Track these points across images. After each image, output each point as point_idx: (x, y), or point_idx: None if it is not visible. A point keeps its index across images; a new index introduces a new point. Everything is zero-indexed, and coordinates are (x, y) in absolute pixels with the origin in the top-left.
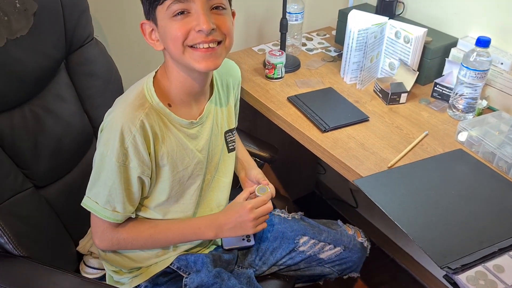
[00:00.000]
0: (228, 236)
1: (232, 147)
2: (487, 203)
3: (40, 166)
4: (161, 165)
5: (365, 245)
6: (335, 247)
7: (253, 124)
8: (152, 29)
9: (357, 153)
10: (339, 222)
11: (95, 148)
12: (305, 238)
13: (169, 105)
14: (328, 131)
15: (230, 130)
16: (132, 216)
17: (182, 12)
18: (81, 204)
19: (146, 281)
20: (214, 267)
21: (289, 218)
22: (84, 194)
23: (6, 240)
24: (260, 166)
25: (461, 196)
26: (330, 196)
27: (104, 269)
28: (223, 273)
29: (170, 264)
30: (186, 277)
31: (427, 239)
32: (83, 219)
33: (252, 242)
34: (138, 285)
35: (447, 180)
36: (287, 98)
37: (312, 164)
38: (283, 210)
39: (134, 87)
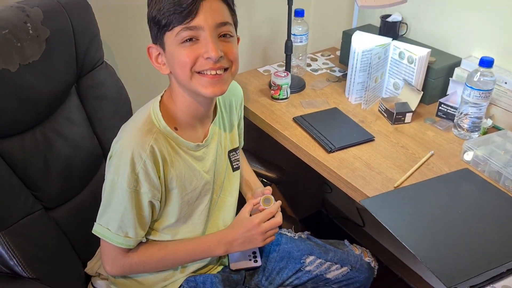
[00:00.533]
0: (238, 251)
1: (236, 166)
2: (494, 222)
3: (50, 188)
4: (170, 188)
5: (372, 265)
6: (342, 266)
7: (259, 145)
8: (159, 53)
9: (363, 173)
10: (346, 242)
11: (104, 169)
12: (311, 258)
13: (176, 129)
14: (334, 151)
15: (234, 149)
16: (143, 240)
17: (190, 39)
18: (93, 232)
19: None
20: (223, 287)
21: (296, 238)
22: (93, 215)
23: (15, 262)
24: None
25: (468, 216)
26: (337, 215)
27: None
28: None
29: (179, 287)
30: None
31: (435, 259)
32: (92, 241)
33: (259, 263)
34: None
35: (454, 200)
36: (293, 118)
37: (318, 183)
38: (289, 229)
39: (140, 112)
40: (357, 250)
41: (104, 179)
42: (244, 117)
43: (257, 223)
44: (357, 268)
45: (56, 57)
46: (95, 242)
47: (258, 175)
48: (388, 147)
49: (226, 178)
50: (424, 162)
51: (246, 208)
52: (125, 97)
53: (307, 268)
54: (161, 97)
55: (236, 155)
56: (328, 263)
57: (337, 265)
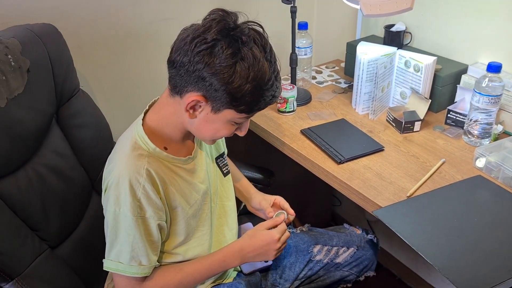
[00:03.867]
0: (249, 262)
1: (226, 171)
2: None
3: (50, 226)
4: (173, 207)
5: (375, 241)
6: (348, 248)
7: (266, 159)
8: (198, 105)
9: (375, 183)
10: (346, 225)
11: (96, 201)
12: (318, 247)
13: (165, 148)
14: (343, 163)
15: (220, 155)
16: (157, 265)
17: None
18: (104, 269)
19: None
20: None
21: (298, 232)
22: (95, 247)
23: None
24: (259, 190)
25: (485, 223)
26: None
27: None
28: None
29: None
30: None
31: (453, 269)
32: (99, 273)
33: (270, 262)
34: None
35: (469, 208)
36: (301, 131)
37: (327, 196)
38: (289, 226)
39: (124, 139)
40: (358, 230)
41: (99, 212)
42: (251, 131)
43: (278, 238)
44: (362, 247)
45: (38, 87)
46: (103, 274)
47: (250, 179)
48: (398, 156)
49: (219, 185)
50: (436, 170)
51: (268, 224)
52: (104, 123)
53: (317, 258)
54: (143, 119)
55: (223, 160)
56: (335, 248)
57: (344, 248)
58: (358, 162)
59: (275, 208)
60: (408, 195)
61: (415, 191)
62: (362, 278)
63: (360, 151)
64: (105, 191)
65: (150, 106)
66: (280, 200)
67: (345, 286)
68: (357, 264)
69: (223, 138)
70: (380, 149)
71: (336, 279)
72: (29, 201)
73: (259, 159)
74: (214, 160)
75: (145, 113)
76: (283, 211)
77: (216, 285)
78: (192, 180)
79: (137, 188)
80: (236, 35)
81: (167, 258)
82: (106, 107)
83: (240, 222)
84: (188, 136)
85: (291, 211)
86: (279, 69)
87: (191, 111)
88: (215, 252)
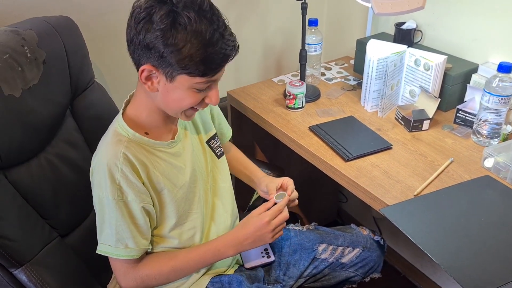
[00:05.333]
0: (248, 249)
1: (220, 152)
2: None
3: (61, 214)
4: (159, 190)
5: (382, 242)
6: (354, 249)
7: (274, 154)
8: (155, 75)
9: (382, 181)
10: (353, 225)
11: None
12: (323, 246)
13: (146, 133)
14: (351, 160)
15: (212, 137)
16: (148, 249)
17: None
18: (97, 252)
19: None
20: (251, 284)
21: (304, 230)
22: None
23: None
24: None
25: (492, 224)
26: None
27: None
28: (263, 286)
29: None
30: None
31: (459, 268)
32: (107, 264)
33: (272, 258)
34: None
35: (476, 207)
36: (309, 127)
37: (333, 192)
38: (296, 224)
39: (109, 128)
40: (364, 231)
41: None
42: (258, 127)
43: (267, 221)
44: (368, 248)
45: (53, 79)
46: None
47: None
48: (406, 155)
49: (212, 166)
50: (444, 169)
51: (259, 211)
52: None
53: (322, 256)
54: (124, 110)
55: (215, 142)
56: (341, 248)
57: (349, 248)
58: (366, 159)
59: (281, 190)
60: (415, 193)
61: (423, 190)
62: (367, 279)
63: (368, 148)
64: (91, 175)
65: (131, 97)
66: (287, 181)
67: (350, 286)
68: (362, 265)
69: (221, 118)
70: (388, 147)
71: (342, 279)
72: (41, 190)
73: (267, 155)
74: (205, 142)
75: (126, 104)
76: (285, 193)
77: (217, 275)
78: (177, 163)
79: (115, 171)
80: None
81: (163, 243)
82: (119, 100)
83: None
84: (170, 120)
85: (291, 193)
86: (227, 23)
87: (149, 83)
88: (210, 241)
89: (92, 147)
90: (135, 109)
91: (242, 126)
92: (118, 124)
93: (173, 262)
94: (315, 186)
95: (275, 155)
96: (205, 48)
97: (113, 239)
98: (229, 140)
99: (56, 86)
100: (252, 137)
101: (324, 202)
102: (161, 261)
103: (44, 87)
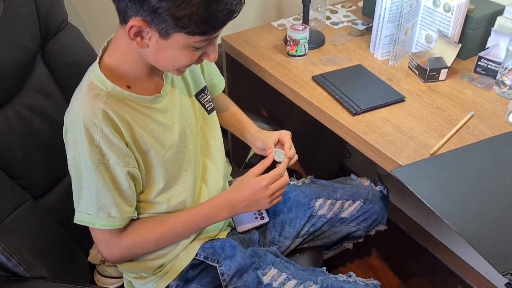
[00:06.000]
0: (243, 213)
1: (210, 107)
2: None
3: (34, 173)
4: (145, 151)
5: (385, 192)
6: (354, 202)
7: (272, 108)
8: (143, 32)
9: (394, 138)
10: (353, 176)
11: None
12: (320, 201)
13: (128, 87)
14: (359, 114)
15: (201, 91)
16: (134, 217)
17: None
18: (75, 221)
19: (174, 279)
20: (245, 248)
21: (300, 184)
22: None
23: (15, 262)
24: None
25: None
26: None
27: (122, 277)
28: (258, 250)
29: (196, 255)
30: (220, 266)
31: (482, 239)
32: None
33: (266, 219)
34: (168, 287)
35: (501, 168)
36: (312, 77)
37: (337, 147)
38: (291, 177)
39: (84, 79)
40: (365, 181)
41: None
42: (256, 76)
43: (265, 185)
44: (370, 200)
45: (17, 19)
46: None
47: None
48: (421, 108)
49: (203, 123)
50: (463, 124)
51: (256, 170)
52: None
53: (320, 212)
54: (100, 58)
55: (205, 96)
56: (339, 201)
57: (349, 201)
58: (376, 113)
59: (280, 146)
60: (431, 152)
61: (440, 148)
62: (372, 233)
63: (378, 101)
64: (65, 134)
65: (109, 43)
66: (284, 136)
67: (354, 241)
68: (364, 218)
69: (203, 69)
70: (400, 100)
71: (343, 235)
72: (9, 146)
73: (265, 108)
74: (194, 96)
75: (104, 51)
76: (282, 151)
77: (208, 241)
78: (164, 120)
79: (94, 131)
80: None
81: (150, 208)
82: (98, 44)
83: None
84: (155, 72)
85: (288, 152)
86: None
87: (138, 39)
88: (200, 204)
89: (67, 97)
90: (114, 58)
91: (238, 76)
92: (94, 75)
93: (161, 229)
94: (316, 140)
95: (274, 108)
96: (208, 5)
97: (93, 207)
98: (223, 92)
99: (21, 27)
100: (249, 88)
101: (325, 156)
102: (148, 228)
103: (6, 29)
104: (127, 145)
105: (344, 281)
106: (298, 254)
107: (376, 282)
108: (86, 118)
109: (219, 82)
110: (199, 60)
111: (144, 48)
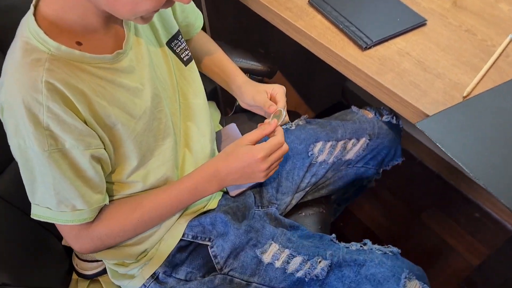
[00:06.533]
0: (232, 185)
1: (187, 57)
2: None
3: None
4: (110, 126)
5: (394, 121)
6: (358, 140)
7: (262, 43)
8: None
9: (415, 77)
10: (354, 108)
11: None
12: (319, 145)
13: (78, 43)
14: (370, 48)
15: (174, 37)
16: (106, 204)
17: None
18: (32, 216)
19: (161, 266)
20: (240, 221)
21: (293, 128)
22: None
23: None
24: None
25: None
26: (360, 105)
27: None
28: (254, 222)
29: (183, 236)
30: (212, 246)
31: None
32: None
33: None
34: (154, 274)
35: None
36: (309, 1)
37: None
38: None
39: (16, 38)
40: (369, 113)
41: None
42: (242, 5)
43: (261, 158)
44: (377, 134)
45: None
46: None
47: (244, 71)
48: (447, 33)
49: (180, 78)
50: (502, 52)
51: (252, 137)
52: None
53: (320, 159)
54: (35, 8)
55: (180, 43)
56: (341, 142)
57: (352, 140)
58: (391, 45)
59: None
60: (464, 95)
61: (475, 87)
62: (388, 168)
63: (393, 29)
64: (1, 112)
65: None
66: (277, 91)
67: (367, 182)
68: (373, 156)
69: (175, 8)
70: (421, 24)
71: (351, 179)
72: None
73: (253, 43)
74: (166, 45)
75: None
76: (281, 110)
77: (196, 216)
78: (130, 83)
79: (39, 111)
80: None
81: (124, 190)
82: None
83: (235, 121)
84: (113, 19)
85: (283, 107)
86: None
87: None
88: (184, 178)
89: (3, 51)
90: (55, 6)
91: (219, 7)
92: (30, 31)
93: (139, 213)
94: (315, 64)
95: (265, 43)
96: None
97: (53, 201)
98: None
99: None
100: (233, 19)
101: (326, 82)
102: (122, 213)
103: None
104: (85, 122)
105: (357, 251)
106: (302, 214)
107: (395, 249)
108: (25, 94)
109: (196, 19)
110: (168, 3)
111: None
